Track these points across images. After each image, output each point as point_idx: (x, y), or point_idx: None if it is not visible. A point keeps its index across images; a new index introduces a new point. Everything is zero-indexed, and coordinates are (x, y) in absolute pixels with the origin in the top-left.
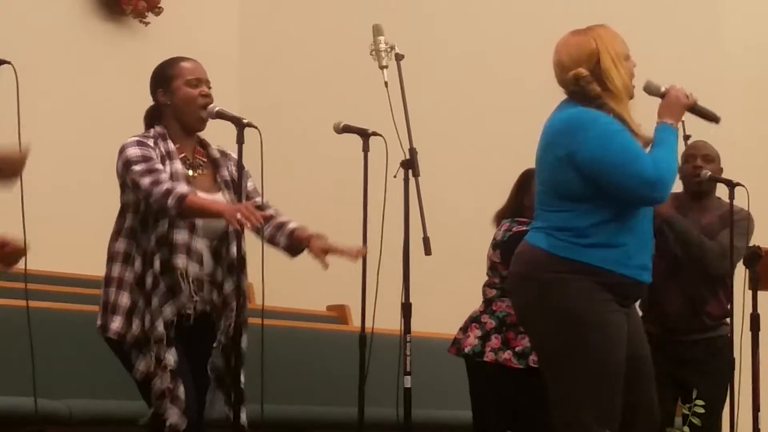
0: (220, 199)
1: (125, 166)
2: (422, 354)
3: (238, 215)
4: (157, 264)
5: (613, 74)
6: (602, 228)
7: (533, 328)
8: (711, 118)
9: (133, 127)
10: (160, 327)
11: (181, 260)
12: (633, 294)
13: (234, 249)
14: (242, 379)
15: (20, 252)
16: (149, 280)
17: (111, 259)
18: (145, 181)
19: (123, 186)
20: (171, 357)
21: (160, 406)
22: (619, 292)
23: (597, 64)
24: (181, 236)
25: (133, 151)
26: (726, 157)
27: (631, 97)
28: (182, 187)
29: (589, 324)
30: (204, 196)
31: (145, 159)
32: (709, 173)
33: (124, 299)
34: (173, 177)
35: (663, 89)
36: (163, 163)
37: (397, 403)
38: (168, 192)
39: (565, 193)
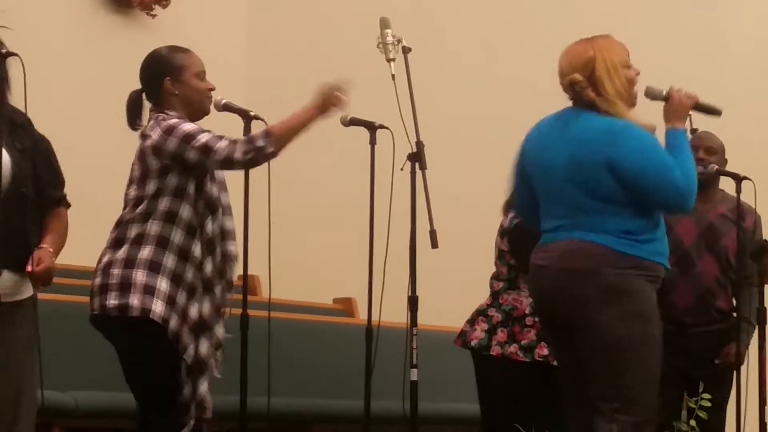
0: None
1: (185, 140)
2: (429, 347)
3: (334, 100)
4: (218, 251)
5: (605, 81)
6: (646, 223)
7: (594, 319)
8: (714, 112)
9: None
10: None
11: (233, 246)
12: (659, 282)
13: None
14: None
15: (52, 271)
16: (209, 267)
17: (136, 241)
18: (222, 143)
19: (165, 169)
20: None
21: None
22: (656, 282)
23: (593, 71)
24: (228, 222)
25: (189, 126)
26: (731, 150)
27: (632, 104)
28: (257, 130)
29: (650, 317)
30: None
31: (204, 130)
32: (716, 167)
33: (164, 284)
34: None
35: (664, 93)
36: None
37: (404, 396)
38: (250, 140)
39: (605, 196)
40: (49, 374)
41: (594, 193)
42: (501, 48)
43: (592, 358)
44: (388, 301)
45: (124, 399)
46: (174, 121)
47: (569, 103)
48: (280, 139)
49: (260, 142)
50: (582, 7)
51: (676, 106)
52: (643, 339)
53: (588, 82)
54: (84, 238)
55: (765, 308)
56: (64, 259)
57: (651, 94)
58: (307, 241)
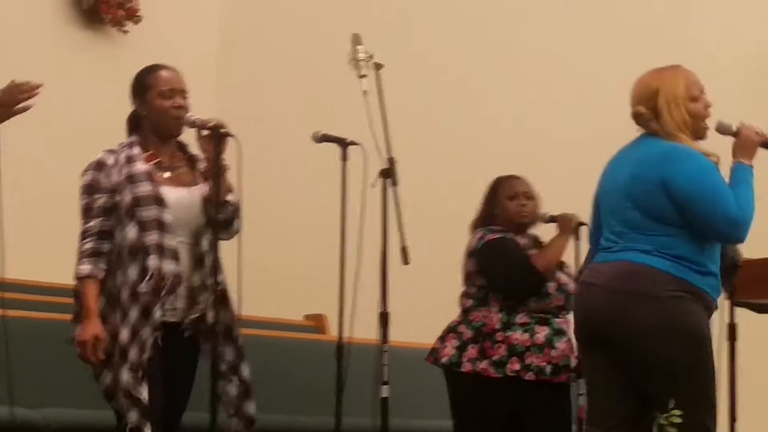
0: (194, 193)
1: (80, 189)
2: (400, 363)
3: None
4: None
5: (665, 114)
6: (707, 256)
7: (652, 344)
8: None
9: (112, 135)
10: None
11: (153, 261)
12: (710, 315)
13: (204, 244)
14: (246, 372)
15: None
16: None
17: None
18: (82, 223)
19: None
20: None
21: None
22: (709, 312)
23: (655, 103)
24: (151, 237)
25: (86, 178)
26: None
27: (699, 136)
28: (85, 267)
29: (705, 340)
30: (180, 192)
31: (90, 190)
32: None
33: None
34: (133, 179)
35: (734, 128)
36: (126, 165)
37: (374, 412)
38: (80, 255)
39: (659, 216)
40: (19, 392)
41: (649, 211)
42: (473, 65)
43: (655, 385)
44: (360, 317)
45: (95, 416)
46: (93, 161)
47: (546, 118)
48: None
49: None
50: (549, 21)
51: (743, 142)
52: (702, 361)
53: (652, 113)
54: (52, 255)
55: (735, 324)
56: (33, 276)
57: (721, 129)
58: (278, 258)
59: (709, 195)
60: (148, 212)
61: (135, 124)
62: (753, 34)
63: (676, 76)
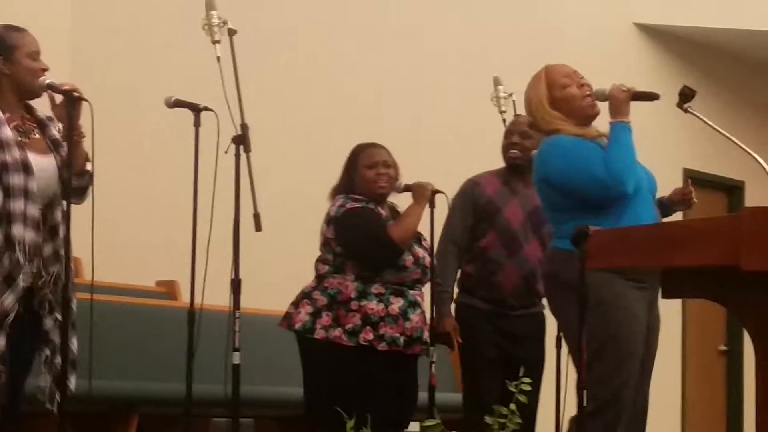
0: (51, 161)
1: None
2: (252, 330)
3: None
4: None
5: (537, 118)
6: (605, 222)
7: (563, 318)
8: (652, 97)
9: None
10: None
11: (17, 229)
12: (647, 277)
13: (57, 214)
14: (74, 345)
15: None
16: None
17: None
18: None
19: None
20: None
21: None
22: (634, 276)
23: (530, 110)
24: (17, 204)
25: None
26: None
27: (588, 114)
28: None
29: (611, 306)
30: (37, 158)
31: None
32: (535, 151)
33: None
34: (3, 144)
35: (607, 92)
36: None
37: (226, 379)
38: None
39: (559, 207)
40: None
41: (552, 206)
42: (327, 32)
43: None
44: (211, 284)
45: None
46: None
47: (399, 88)
48: None
49: None
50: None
51: (613, 101)
52: (606, 328)
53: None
54: None
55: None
56: None
57: (598, 97)
58: (131, 224)
59: (579, 171)
60: (15, 179)
61: None
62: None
63: (536, 80)
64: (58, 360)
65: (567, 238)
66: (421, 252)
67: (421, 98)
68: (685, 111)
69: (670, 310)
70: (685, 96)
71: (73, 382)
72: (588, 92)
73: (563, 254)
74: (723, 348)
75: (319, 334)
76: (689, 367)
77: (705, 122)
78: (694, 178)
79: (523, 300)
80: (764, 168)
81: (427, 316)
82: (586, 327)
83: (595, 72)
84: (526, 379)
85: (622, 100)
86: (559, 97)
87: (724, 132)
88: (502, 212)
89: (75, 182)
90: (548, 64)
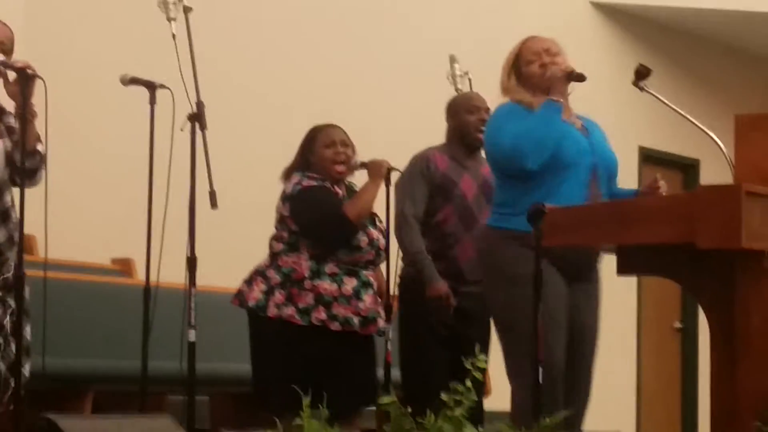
0: (2, 144)
1: None
2: (207, 308)
3: None
4: None
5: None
6: (527, 197)
7: (491, 299)
8: (580, 78)
9: None
10: None
11: None
12: (566, 256)
13: (7, 198)
14: (27, 332)
15: None
16: None
17: None
18: None
19: None
20: None
21: None
22: (550, 253)
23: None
24: None
25: None
26: None
27: (544, 87)
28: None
29: (519, 282)
30: None
31: None
32: None
33: None
34: None
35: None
36: None
37: (181, 356)
38: None
39: (496, 171)
40: None
41: (493, 171)
42: (285, 10)
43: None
44: (167, 261)
45: None
46: None
47: (355, 67)
48: None
49: None
50: None
51: (550, 79)
52: (515, 301)
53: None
54: None
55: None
56: None
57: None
58: (85, 201)
59: (493, 137)
60: None
61: None
62: None
63: (511, 51)
64: (12, 348)
65: (494, 209)
66: (375, 233)
67: (376, 77)
68: (641, 89)
69: (625, 288)
70: (641, 74)
71: (27, 369)
72: (541, 74)
73: (486, 231)
74: (678, 325)
75: (272, 312)
76: (644, 344)
77: (660, 100)
78: (649, 156)
79: (477, 275)
80: (719, 146)
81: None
82: (500, 304)
83: None
84: (482, 356)
85: (556, 78)
86: (522, 73)
87: (679, 110)
88: (458, 186)
89: (26, 163)
90: (530, 36)
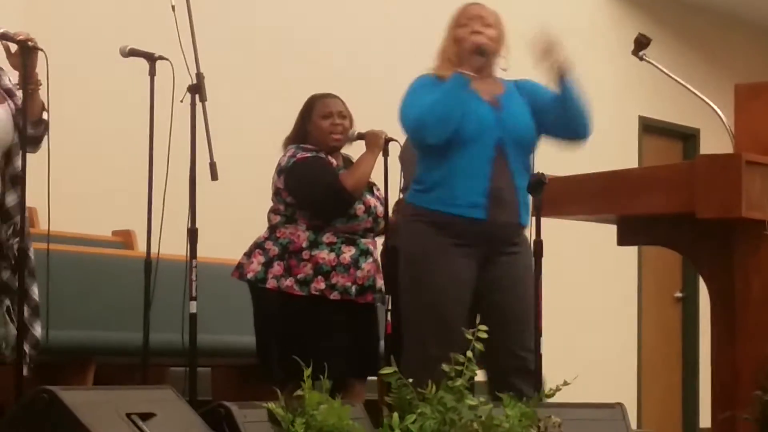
0: (5, 109)
1: None
2: (208, 279)
3: None
4: None
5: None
6: (433, 173)
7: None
8: (483, 54)
9: None
10: None
11: None
12: (469, 232)
13: (18, 163)
14: (35, 292)
15: None
16: None
17: None
18: None
19: None
20: None
21: None
22: (452, 231)
23: None
24: None
25: None
26: None
27: (458, 61)
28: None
29: (419, 261)
30: None
31: None
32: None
33: None
34: None
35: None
36: None
37: (183, 328)
38: None
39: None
40: None
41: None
42: None
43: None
44: (168, 233)
45: None
46: None
47: (353, 39)
48: None
49: None
50: None
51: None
52: (416, 283)
53: None
54: None
55: (541, 240)
56: None
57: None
58: (86, 173)
59: (400, 111)
60: None
61: None
62: None
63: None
64: (22, 309)
65: (410, 188)
66: (373, 201)
67: (373, 48)
68: (641, 59)
69: (625, 258)
70: (641, 44)
71: (38, 330)
72: (468, 40)
73: (405, 207)
74: (679, 295)
75: (271, 283)
76: (645, 313)
77: (660, 70)
78: (649, 126)
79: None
80: (719, 116)
81: (379, 264)
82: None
83: (547, 22)
84: (483, 327)
85: (464, 49)
86: (453, 36)
87: (679, 79)
88: None
89: (31, 131)
90: (473, 2)
